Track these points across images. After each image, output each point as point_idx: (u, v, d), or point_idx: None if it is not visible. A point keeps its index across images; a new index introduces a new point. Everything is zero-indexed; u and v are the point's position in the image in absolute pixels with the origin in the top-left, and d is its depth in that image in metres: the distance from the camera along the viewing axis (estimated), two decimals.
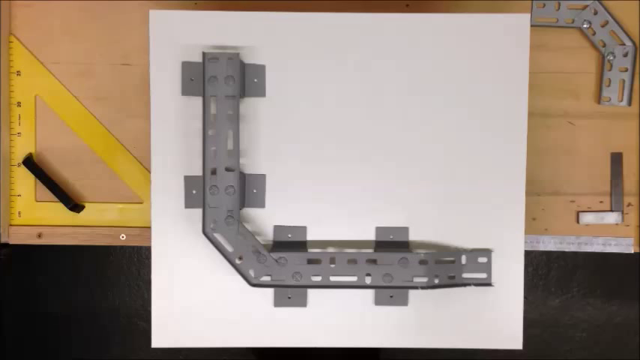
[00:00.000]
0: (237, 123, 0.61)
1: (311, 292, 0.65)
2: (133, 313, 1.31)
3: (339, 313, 0.65)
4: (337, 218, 0.64)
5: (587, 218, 0.77)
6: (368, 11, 0.64)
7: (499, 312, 0.65)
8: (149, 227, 0.64)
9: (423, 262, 0.62)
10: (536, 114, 0.75)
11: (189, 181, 0.64)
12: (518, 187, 0.64)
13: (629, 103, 0.76)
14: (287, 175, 0.64)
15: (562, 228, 0.77)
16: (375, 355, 1.26)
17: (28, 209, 0.78)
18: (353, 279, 0.62)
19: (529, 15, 0.65)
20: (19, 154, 0.77)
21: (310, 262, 0.62)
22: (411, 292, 0.64)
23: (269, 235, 0.65)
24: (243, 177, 0.63)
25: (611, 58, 0.75)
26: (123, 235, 0.78)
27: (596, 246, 0.77)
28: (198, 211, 0.62)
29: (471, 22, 0.64)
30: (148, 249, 0.65)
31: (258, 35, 0.64)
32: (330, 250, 0.64)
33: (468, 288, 0.63)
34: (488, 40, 0.64)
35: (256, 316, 0.65)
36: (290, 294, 0.64)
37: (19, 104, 0.77)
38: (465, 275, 0.63)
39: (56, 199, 0.76)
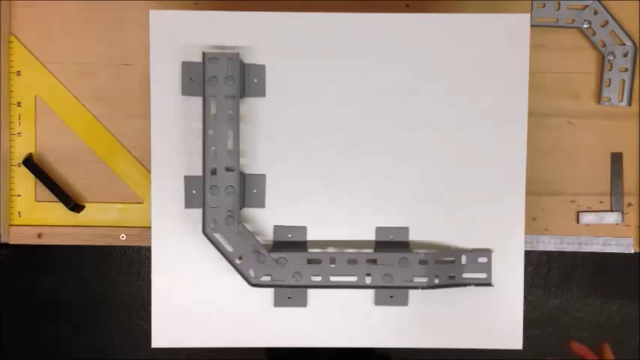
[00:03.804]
0: (237, 123, 0.61)
1: (311, 292, 0.65)
2: (133, 313, 1.31)
3: (339, 313, 0.65)
4: (337, 218, 0.64)
5: (587, 218, 0.77)
6: (368, 11, 0.64)
7: (499, 312, 0.65)
8: (149, 227, 0.64)
9: (423, 262, 0.62)
10: (536, 114, 0.75)
11: (189, 181, 0.64)
12: (518, 188, 0.64)
13: (629, 103, 0.76)
14: (287, 175, 0.64)
15: (562, 228, 0.77)
16: (370, 352, 1.26)
17: (28, 209, 0.78)
18: (353, 279, 0.62)
19: (529, 15, 0.65)
20: (19, 154, 0.77)
21: (310, 262, 0.62)
22: (411, 292, 0.64)
23: (269, 235, 0.65)
24: (243, 177, 0.63)
25: (611, 58, 0.75)
26: (123, 235, 0.78)
27: (596, 246, 0.77)
28: (198, 211, 0.62)
29: (471, 22, 0.64)
30: (148, 249, 0.65)
31: (258, 35, 0.64)
32: (330, 250, 0.64)
33: (468, 288, 0.63)
34: (488, 40, 0.64)
35: (256, 316, 0.65)
36: (290, 294, 0.64)
37: (19, 104, 0.77)
38: (465, 275, 0.63)
39: (56, 199, 0.76)
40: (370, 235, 0.65)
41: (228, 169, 0.61)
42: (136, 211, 0.78)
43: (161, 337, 0.65)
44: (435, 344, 0.65)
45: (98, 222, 0.78)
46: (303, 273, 0.62)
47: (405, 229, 0.64)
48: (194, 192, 0.64)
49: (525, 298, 0.64)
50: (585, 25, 0.75)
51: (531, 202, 0.73)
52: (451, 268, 0.63)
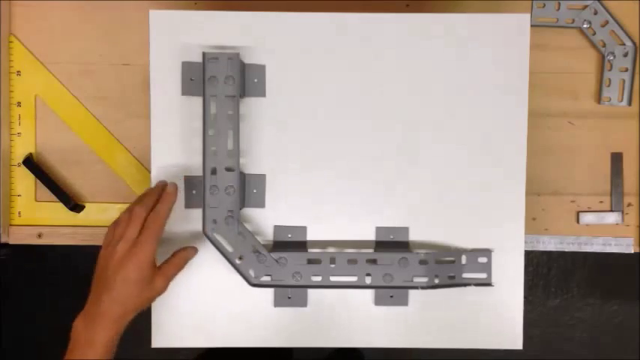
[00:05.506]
0: (237, 123, 0.61)
1: (311, 292, 0.65)
2: None
3: (339, 313, 0.65)
4: (337, 218, 0.64)
5: (587, 218, 0.77)
6: (368, 11, 0.64)
7: (499, 312, 0.65)
8: None
9: (423, 262, 0.62)
10: (537, 114, 0.75)
11: (189, 181, 0.64)
12: (519, 187, 0.64)
13: (629, 103, 0.76)
14: (287, 175, 0.64)
15: (562, 228, 0.77)
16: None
17: (28, 209, 0.78)
18: (353, 279, 0.62)
19: (529, 15, 0.65)
20: (19, 154, 0.77)
21: (310, 262, 0.62)
22: (411, 292, 0.64)
23: (269, 235, 0.65)
24: (243, 177, 0.63)
25: (611, 58, 0.75)
26: None
27: (596, 246, 0.77)
28: (198, 211, 0.62)
29: (471, 22, 0.64)
30: None
31: (258, 35, 0.64)
32: (330, 250, 0.64)
33: (468, 288, 0.63)
34: (488, 40, 0.64)
35: (256, 316, 0.65)
36: (290, 294, 0.64)
37: (19, 104, 0.77)
38: (465, 275, 0.63)
39: (56, 199, 0.76)
40: (370, 235, 0.65)
41: (228, 169, 0.61)
42: None
43: (161, 337, 0.65)
44: (435, 344, 0.65)
45: (98, 222, 0.78)
46: (303, 273, 0.61)
47: (405, 229, 0.64)
48: (194, 192, 0.64)
49: (525, 298, 0.64)
50: (585, 25, 0.75)
51: (531, 202, 0.73)
52: (451, 268, 0.63)
